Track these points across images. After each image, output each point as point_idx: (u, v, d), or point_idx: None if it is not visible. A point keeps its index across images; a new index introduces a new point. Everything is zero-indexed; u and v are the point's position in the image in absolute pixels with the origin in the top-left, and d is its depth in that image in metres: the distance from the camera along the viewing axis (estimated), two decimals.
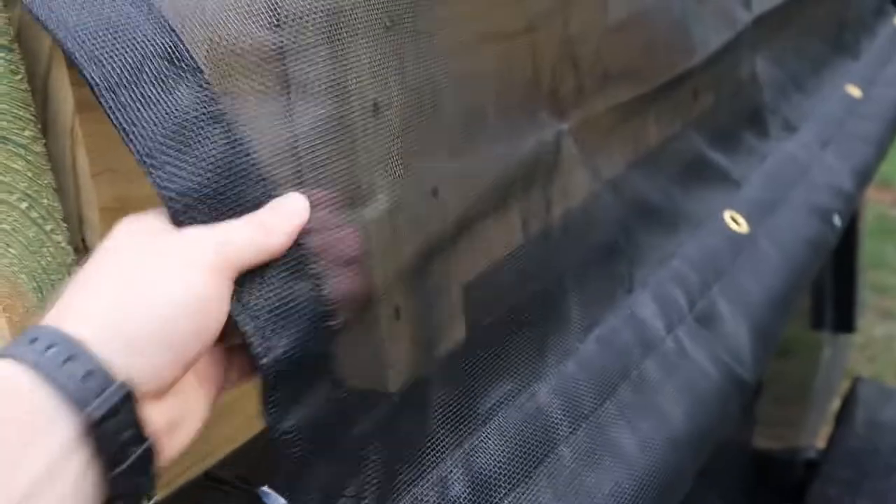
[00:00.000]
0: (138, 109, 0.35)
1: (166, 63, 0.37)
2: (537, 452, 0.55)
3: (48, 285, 0.40)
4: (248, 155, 0.39)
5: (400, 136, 0.48)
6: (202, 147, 0.37)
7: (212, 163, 0.37)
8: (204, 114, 0.37)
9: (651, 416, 0.61)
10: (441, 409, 0.53)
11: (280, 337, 0.38)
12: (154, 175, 0.35)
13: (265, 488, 0.41)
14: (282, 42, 0.41)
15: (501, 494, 0.52)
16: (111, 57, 0.35)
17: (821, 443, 1.66)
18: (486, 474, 0.53)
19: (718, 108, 0.90)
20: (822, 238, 0.88)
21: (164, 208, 0.36)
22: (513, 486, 0.53)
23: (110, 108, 0.35)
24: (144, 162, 0.35)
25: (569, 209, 0.68)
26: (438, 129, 0.51)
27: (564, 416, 0.58)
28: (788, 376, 1.60)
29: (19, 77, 0.38)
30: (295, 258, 0.39)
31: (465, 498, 0.51)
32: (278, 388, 0.38)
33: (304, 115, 0.42)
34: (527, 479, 0.54)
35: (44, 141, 0.40)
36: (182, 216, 0.36)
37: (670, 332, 0.68)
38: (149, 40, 0.37)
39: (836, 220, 0.91)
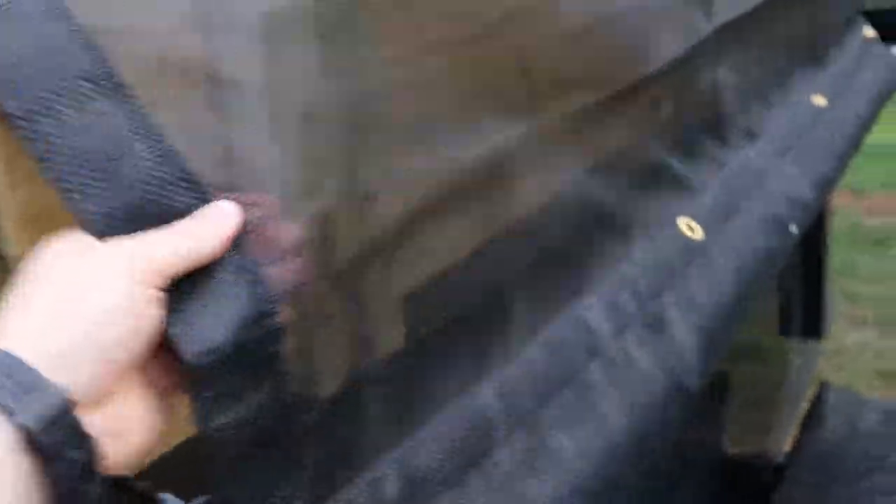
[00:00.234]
0: (56, 136, 0.35)
1: (88, 84, 0.37)
2: (474, 455, 0.56)
3: None
4: (176, 166, 0.39)
5: (335, 141, 0.48)
6: (126, 164, 0.37)
7: (137, 178, 0.38)
8: (129, 131, 0.38)
9: (591, 422, 0.61)
10: (379, 410, 0.54)
11: (209, 334, 0.38)
12: (71, 199, 0.36)
13: (165, 495, 0.41)
14: (214, 51, 0.42)
15: (435, 496, 0.53)
16: (28, 84, 0.35)
17: (789, 448, 1.67)
18: (421, 476, 0.53)
19: (678, 116, 0.91)
20: (778, 247, 0.89)
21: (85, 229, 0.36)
22: (447, 487, 0.53)
23: (26, 137, 0.35)
24: (62, 187, 0.35)
25: (519, 214, 0.68)
26: (377, 136, 0.52)
27: (504, 419, 0.58)
28: (757, 382, 1.61)
29: None
30: (225, 259, 0.40)
31: (398, 499, 0.51)
32: (206, 387, 0.39)
33: (236, 122, 0.43)
34: (461, 482, 0.54)
35: None
36: (107, 235, 0.37)
37: (617, 338, 0.69)
38: (70, 62, 0.37)
39: (793, 229, 0.92)
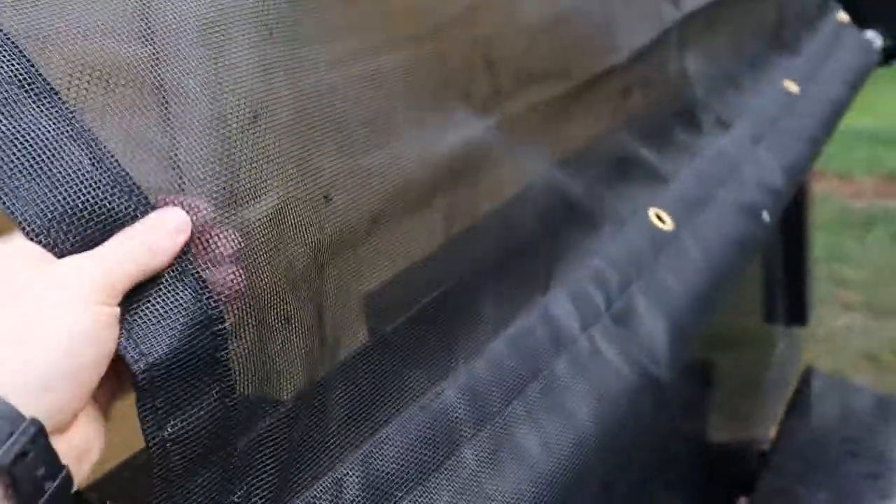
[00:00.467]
0: None
1: (15, 88, 0.37)
2: (438, 454, 0.55)
3: None
4: (111, 168, 0.39)
5: (284, 142, 0.47)
6: (57, 166, 0.37)
7: (70, 179, 0.37)
8: (60, 133, 0.37)
9: (558, 418, 0.61)
10: (340, 411, 0.53)
11: (155, 343, 0.38)
12: (6, 202, 0.35)
13: None
14: (154, 53, 0.41)
15: (398, 497, 0.52)
16: None
17: (774, 435, 1.67)
18: (383, 476, 0.53)
19: (647, 106, 0.90)
20: (750, 235, 0.88)
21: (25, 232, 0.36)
22: (410, 488, 0.53)
23: None
24: None
25: (485, 209, 0.68)
26: (331, 136, 0.51)
27: (469, 416, 0.58)
28: (742, 369, 1.61)
29: None
30: (172, 266, 0.40)
31: (359, 501, 0.51)
32: (155, 395, 0.38)
33: (179, 124, 0.42)
34: (425, 482, 0.54)
35: None
36: (43, 236, 0.36)
37: (585, 332, 0.68)
38: None
39: (766, 217, 0.91)
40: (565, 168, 0.78)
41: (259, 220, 0.45)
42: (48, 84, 0.37)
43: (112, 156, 0.39)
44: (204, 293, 0.40)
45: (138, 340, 0.38)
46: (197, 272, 0.40)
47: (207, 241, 0.41)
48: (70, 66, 0.39)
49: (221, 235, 0.42)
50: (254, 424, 0.46)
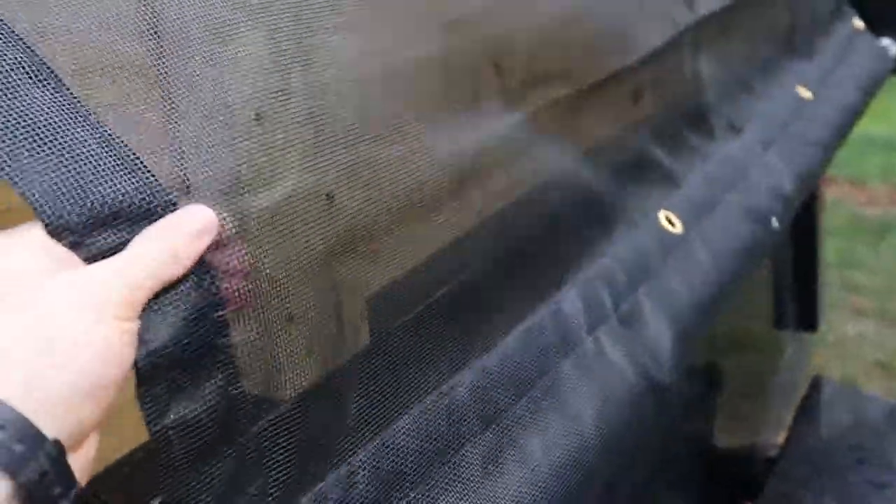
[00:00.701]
0: None
1: (21, 74, 0.37)
2: (445, 451, 0.55)
3: None
4: (119, 150, 0.39)
5: (287, 141, 0.48)
6: (66, 148, 0.37)
7: (79, 159, 0.37)
8: (66, 118, 0.38)
9: (561, 418, 0.61)
10: (353, 405, 0.53)
11: (155, 330, 0.38)
12: (14, 182, 0.35)
13: None
14: (160, 50, 0.42)
15: (404, 492, 0.53)
16: None
17: (782, 441, 1.66)
18: (393, 471, 0.53)
19: (660, 108, 0.90)
20: (758, 241, 0.88)
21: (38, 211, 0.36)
22: (415, 484, 0.53)
23: None
24: (3, 172, 0.35)
25: (500, 206, 0.68)
26: (335, 136, 0.51)
27: (476, 413, 0.58)
28: (751, 375, 1.60)
29: None
30: None
31: (369, 494, 0.51)
32: (156, 382, 0.38)
33: (185, 122, 0.42)
34: (430, 478, 0.54)
35: None
36: (55, 217, 0.36)
37: (592, 332, 0.69)
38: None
39: (775, 223, 0.91)
40: (578, 168, 0.78)
41: (262, 220, 0.46)
42: (52, 71, 0.38)
43: (119, 138, 0.39)
44: (205, 279, 0.40)
45: (140, 331, 0.38)
46: (197, 266, 0.41)
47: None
48: (79, 63, 0.39)
49: (225, 228, 0.42)
50: (265, 416, 0.46)
